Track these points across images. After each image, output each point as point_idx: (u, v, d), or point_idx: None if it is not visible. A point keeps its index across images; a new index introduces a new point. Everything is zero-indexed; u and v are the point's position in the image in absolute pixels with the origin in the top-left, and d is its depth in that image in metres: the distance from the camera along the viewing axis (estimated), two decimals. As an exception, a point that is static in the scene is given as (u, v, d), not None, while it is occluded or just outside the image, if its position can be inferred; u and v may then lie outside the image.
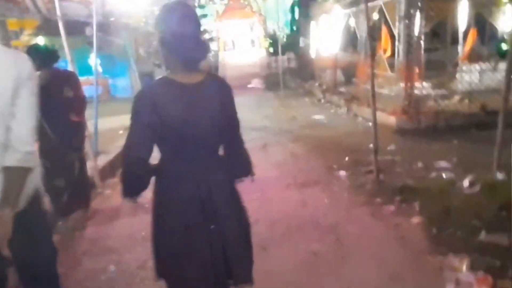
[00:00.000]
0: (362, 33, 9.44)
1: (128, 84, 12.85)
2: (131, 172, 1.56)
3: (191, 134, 1.57)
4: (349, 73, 10.96)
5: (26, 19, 10.58)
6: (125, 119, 1.61)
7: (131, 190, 1.60)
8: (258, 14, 24.55)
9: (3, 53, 1.72)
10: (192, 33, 1.58)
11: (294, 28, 21.37)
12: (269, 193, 4.40)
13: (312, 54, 14.83)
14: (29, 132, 1.72)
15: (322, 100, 10.87)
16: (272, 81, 14.80)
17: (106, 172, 5.40)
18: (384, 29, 9.42)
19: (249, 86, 16.28)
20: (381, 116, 6.13)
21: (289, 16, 23.23)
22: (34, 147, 1.78)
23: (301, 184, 4.68)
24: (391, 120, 6.81)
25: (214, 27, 24.30)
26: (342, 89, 10.54)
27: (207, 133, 1.61)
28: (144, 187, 1.60)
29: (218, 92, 1.67)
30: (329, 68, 11.69)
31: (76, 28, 10.85)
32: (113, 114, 8.81)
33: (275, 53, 19.57)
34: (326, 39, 12.46)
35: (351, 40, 12.01)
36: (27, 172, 1.72)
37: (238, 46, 25.90)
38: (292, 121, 8.58)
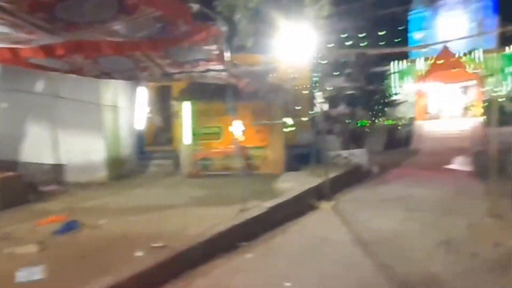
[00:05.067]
0: None
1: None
2: None
3: None
4: None
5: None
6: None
7: None
8: (476, 75, 19.11)
9: None
10: None
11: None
12: None
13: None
14: None
15: None
16: (485, 164, 9.69)
17: None
18: None
19: (447, 167, 11.52)
20: None
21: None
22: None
23: None
24: None
25: (409, 89, 20.03)
26: None
27: None
28: None
29: None
30: None
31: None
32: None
33: (495, 123, 14.07)
34: None
35: None
36: None
37: (443, 113, 20.78)
38: (502, 269, 3.97)
